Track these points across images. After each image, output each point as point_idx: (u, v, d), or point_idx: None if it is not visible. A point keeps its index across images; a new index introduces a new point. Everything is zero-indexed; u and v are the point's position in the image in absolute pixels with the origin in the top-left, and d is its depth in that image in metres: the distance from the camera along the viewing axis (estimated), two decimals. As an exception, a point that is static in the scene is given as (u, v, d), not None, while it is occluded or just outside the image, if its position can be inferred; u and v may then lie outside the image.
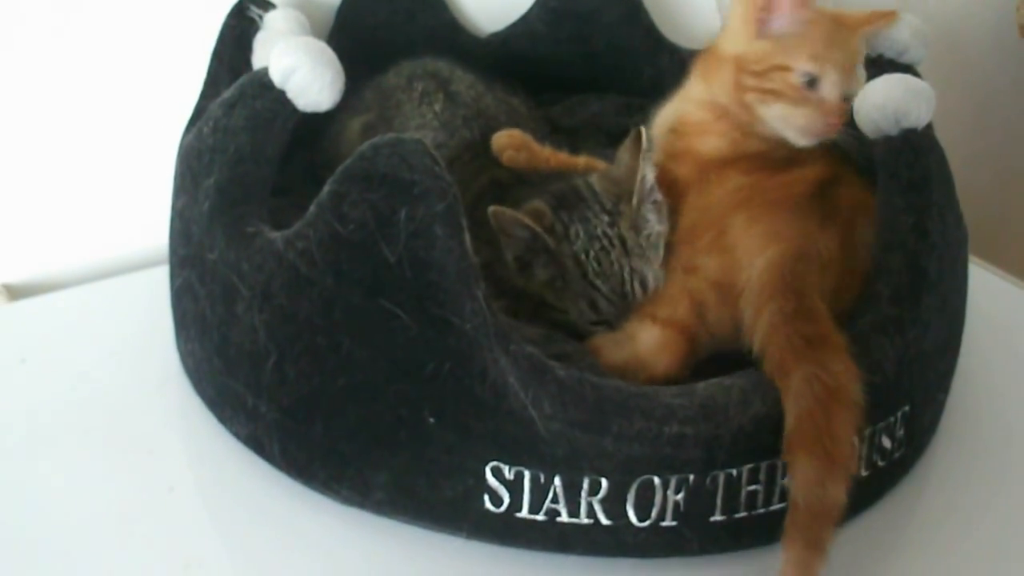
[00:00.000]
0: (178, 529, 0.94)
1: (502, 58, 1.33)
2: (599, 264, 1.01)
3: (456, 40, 1.34)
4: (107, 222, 1.27)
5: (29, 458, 0.99)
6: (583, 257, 1.01)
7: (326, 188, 0.88)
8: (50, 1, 1.17)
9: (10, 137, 1.21)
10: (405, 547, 0.92)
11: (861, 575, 0.93)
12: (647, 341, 0.99)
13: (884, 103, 0.98)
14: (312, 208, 0.89)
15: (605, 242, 1.02)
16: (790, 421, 0.87)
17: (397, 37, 1.28)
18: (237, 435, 0.99)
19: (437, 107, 1.18)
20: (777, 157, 1.07)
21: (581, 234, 1.02)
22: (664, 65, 1.36)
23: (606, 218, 1.02)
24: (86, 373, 1.09)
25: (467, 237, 0.85)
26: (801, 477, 0.86)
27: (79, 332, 1.16)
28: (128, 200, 1.27)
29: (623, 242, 1.02)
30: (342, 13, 1.29)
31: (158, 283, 1.17)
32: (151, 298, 1.17)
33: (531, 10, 1.36)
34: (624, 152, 1.04)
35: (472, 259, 0.85)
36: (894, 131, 0.98)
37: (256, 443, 0.97)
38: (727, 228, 1.01)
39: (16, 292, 1.24)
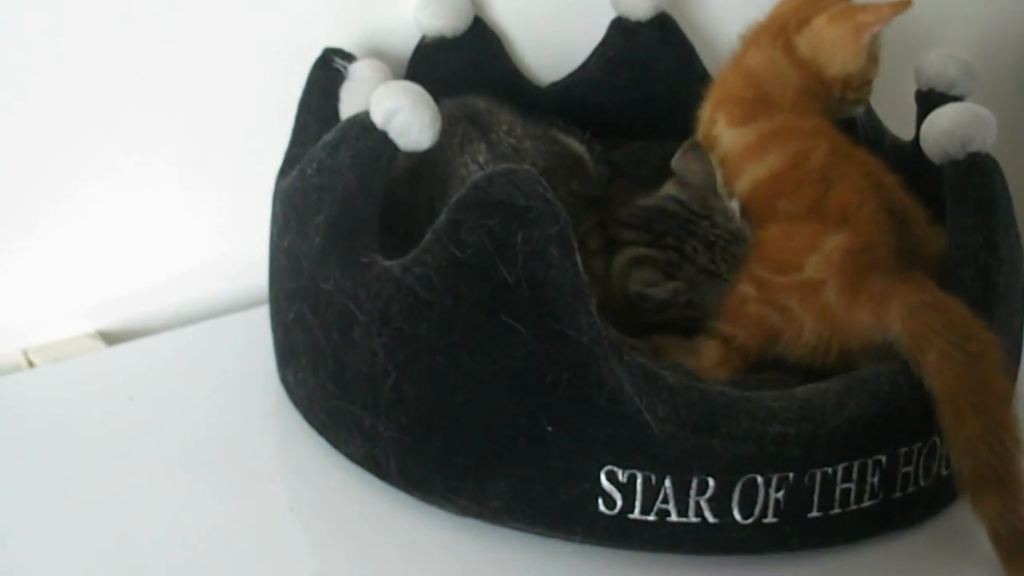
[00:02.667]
0: (302, 547, 1.01)
1: (562, 105, 1.39)
2: (726, 263, 1.10)
3: (519, 89, 1.40)
4: (196, 270, 1.33)
5: (151, 487, 1.05)
6: (712, 266, 1.10)
7: (443, 217, 0.94)
8: (134, 64, 1.23)
9: (100, 195, 1.26)
10: (521, 553, 0.98)
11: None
12: (711, 356, 1.07)
13: (952, 129, 1.06)
14: (429, 235, 0.95)
15: (720, 242, 1.11)
16: (972, 466, 0.94)
17: (464, 87, 1.34)
18: (351, 456, 1.05)
19: (481, 159, 1.21)
20: None
21: (699, 248, 1.09)
22: (718, 108, 1.42)
23: (706, 222, 1.11)
24: (194, 408, 1.15)
25: (578, 257, 0.92)
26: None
27: (179, 372, 1.21)
28: (215, 248, 1.33)
29: (729, 233, 1.11)
30: (413, 65, 1.36)
31: (246, 325, 1.26)
32: (241, 340, 1.25)
33: (589, 59, 1.42)
34: (689, 161, 1.14)
35: (583, 277, 0.92)
36: (960, 155, 1.05)
37: (372, 462, 1.03)
38: None
39: (110, 338, 1.30)
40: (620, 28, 1.41)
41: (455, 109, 1.26)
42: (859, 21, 1.18)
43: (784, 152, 1.14)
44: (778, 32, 1.22)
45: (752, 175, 1.15)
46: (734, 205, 1.13)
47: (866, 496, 0.98)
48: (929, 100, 1.19)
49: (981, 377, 0.95)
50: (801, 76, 1.20)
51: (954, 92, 1.20)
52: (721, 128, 1.20)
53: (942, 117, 1.08)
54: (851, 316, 1.02)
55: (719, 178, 1.14)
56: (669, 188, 1.16)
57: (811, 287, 1.05)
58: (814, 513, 0.97)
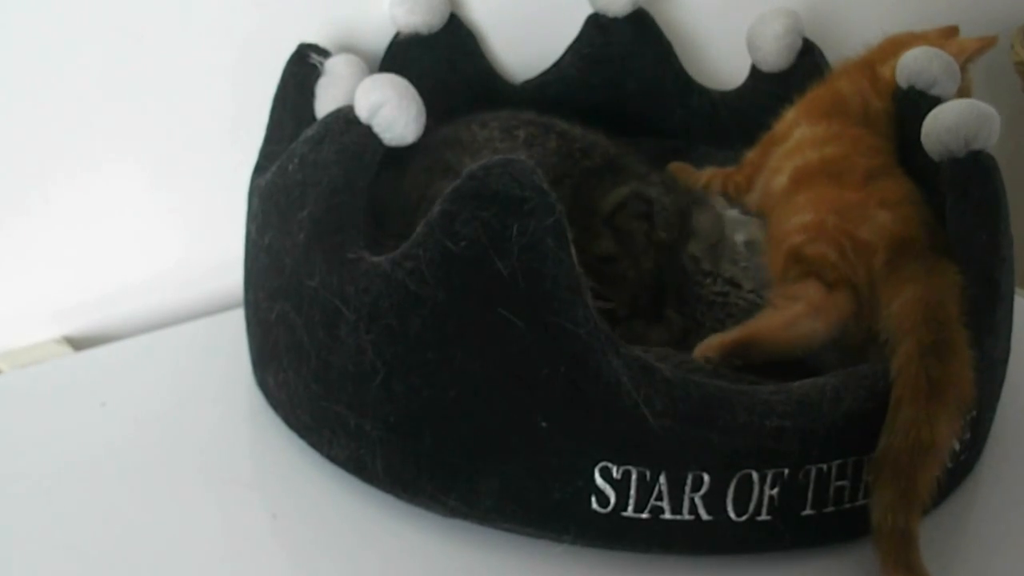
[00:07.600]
0: (285, 555, 0.99)
1: (537, 103, 1.37)
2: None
3: (493, 88, 1.39)
4: (165, 274, 1.30)
5: (125, 496, 1.02)
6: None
7: (436, 208, 0.92)
8: (103, 62, 1.21)
9: (66, 198, 1.24)
10: (510, 556, 0.96)
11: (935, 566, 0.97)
12: (816, 294, 1.04)
13: (957, 126, 1.04)
14: (421, 228, 0.93)
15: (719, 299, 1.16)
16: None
17: (438, 85, 1.33)
18: (334, 458, 1.03)
19: (551, 145, 1.22)
20: None
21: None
22: (694, 106, 1.41)
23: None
24: (168, 415, 1.12)
25: (572, 249, 0.90)
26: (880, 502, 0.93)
27: (150, 377, 1.19)
28: (184, 252, 1.31)
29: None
30: (386, 61, 1.34)
31: (217, 329, 1.24)
32: (213, 344, 1.23)
33: (564, 56, 1.41)
34: (698, 215, 1.19)
35: (578, 269, 0.90)
36: (962, 153, 1.04)
37: (357, 463, 1.00)
38: None
39: (77, 344, 1.27)
40: (596, 24, 1.40)
41: (500, 120, 1.25)
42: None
43: (840, 148, 1.17)
44: (865, 66, 1.27)
45: (805, 157, 1.18)
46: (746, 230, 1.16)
47: (860, 495, 0.97)
48: (910, 98, 1.19)
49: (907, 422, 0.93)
50: (886, 102, 1.23)
51: (934, 91, 1.19)
52: (802, 129, 1.23)
53: (947, 113, 1.06)
54: (880, 291, 1.02)
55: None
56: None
57: (866, 247, 1.05)
58: (808, 511, 0.96)
